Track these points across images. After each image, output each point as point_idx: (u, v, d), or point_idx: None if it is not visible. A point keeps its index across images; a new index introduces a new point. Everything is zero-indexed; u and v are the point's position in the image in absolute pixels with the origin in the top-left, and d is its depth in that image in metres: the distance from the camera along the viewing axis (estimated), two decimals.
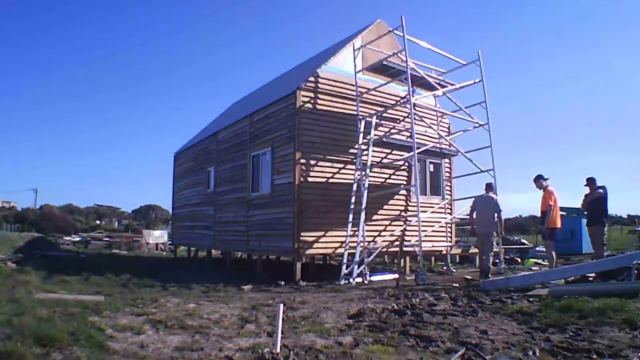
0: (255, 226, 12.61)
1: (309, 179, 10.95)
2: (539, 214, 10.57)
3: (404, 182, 12.71)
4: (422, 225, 10.15)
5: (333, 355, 4.19)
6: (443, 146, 12.51)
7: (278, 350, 4.13)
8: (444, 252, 12.89)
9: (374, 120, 11.58)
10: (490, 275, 9.38)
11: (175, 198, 20.19)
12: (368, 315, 5.96)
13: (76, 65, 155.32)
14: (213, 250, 17.02)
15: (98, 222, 62.90)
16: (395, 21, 11.71)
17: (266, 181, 12.17)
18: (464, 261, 15.07)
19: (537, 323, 5.28)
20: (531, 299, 6.70)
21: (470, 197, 12.74)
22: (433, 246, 12.14)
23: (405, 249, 10.36)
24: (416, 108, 11.61)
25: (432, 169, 13.15)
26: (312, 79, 11.34)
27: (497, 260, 11.82)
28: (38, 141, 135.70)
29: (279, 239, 11.31)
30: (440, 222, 12.13)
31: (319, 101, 11.36)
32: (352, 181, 11.20)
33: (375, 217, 11.73)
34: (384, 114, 12.10)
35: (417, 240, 10.07)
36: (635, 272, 6.91)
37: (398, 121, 12.60)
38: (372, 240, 11.30)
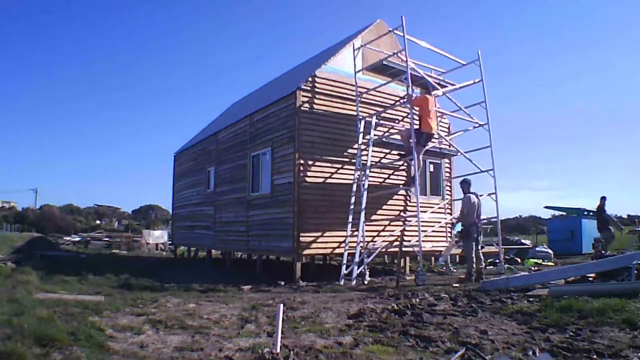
0: (255, 226, 12.61)
1: (309, 179, 10.95)
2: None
3: (403, 182, 12.71)
4: (422, 226, 10.14)
5: (333, 355, 4.19)
6: (443, 146, 12.51)
7: (278, 350, 4.13)
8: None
9: (374, 120, 11.58)
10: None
11: (175, 198, 20.19)
12: (368, 316, 5.96)
13: (76, 65, 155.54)
14: (213, 250, 17.02)
15: (98, 222, 62.93)
16: (395, 21, 11.71)
17: (266, 181, 12.17)
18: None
19: (537, 323, 5.28)
20: (531, 299, 6.70)
21: None
22: (433, 246, 12.14)
23: (405, 249, 10.35)
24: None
25: (432, 169, 13.15)
26: (312, 79, 11.34)
27: (497, 260, 11.82)
28: (38, 141, 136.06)
29: (279, 239, 11.31)
30: (440, 222, 12.12)
31: (318, 101, 11.35)
32: (352, 181, 11.21)
33: (375, 217, 11.73)
34: (384, 114, 12.10)
35: (416, 241, 10.06)
36: (635, 272, 6.90)
37: (398, 121, 12.60)
38: (372, 241, 11.30)
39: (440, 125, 13.54)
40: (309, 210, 10.85)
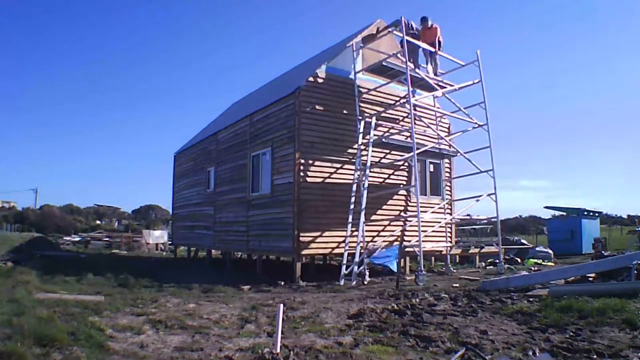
0: (255, 226, 12.61)
1: (309, 179, 10.95)
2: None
3: (404, 182, 12.71)
4: (422, 226, 10.15)
5: (333, 355, 4.19)
6: (443, 146, 12.51)
7: (278, 350, 4.14)
8: (444, 252, 12.90)
9: (374, 120, 11.58)
10: None
11: (175, 198, 20.19)
12: (368, 316, 5.96)
13: (76, 65, 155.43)
14: (213, 250, 17.02)
15: (98, 222, 62.90)
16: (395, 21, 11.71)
17: (266, 181, 12.17)
18: (464, 261, 15.08)
19: (537, 323, 5.28)
20: (531, 299, 6.70)
21: (471, 198, 12.80)
22: (433, 247, 12.14)
23: (405, 249, 10.35)
24: (416, 108, 11.61)
25: (432, 169, 13.15)
26: (312, 79, 11.33)
27: (497, 260, 11.83)
28: (38, 141, 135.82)
29: (279, 239, 11.31)
30: (440, 222, 12.13)
31: (319, 101, 11.35)
32: (352, 181, 11.21)
33: (375, 217, 11.73)
34: (384, 114, 12.10)
35: (417, 241, 10.06)
36: (635, 272, 6.91)
37: (398, 121, 12.60)
38: (371, 240, 11.29)
39: (440, 126, 13.56)
40: (309, 210, 10.85)
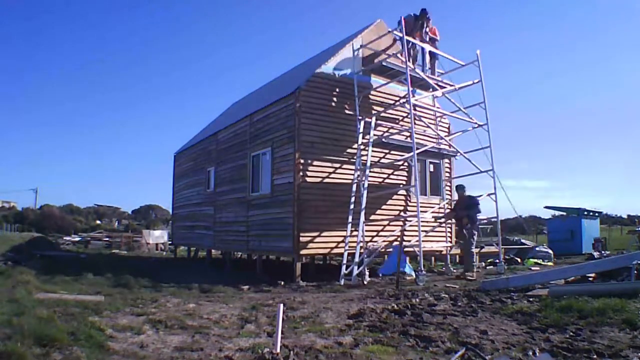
0: (255, 226, 12.61)
1: (309, 179, 10.95)
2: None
3: (403, 182, 12.71)
4: (422, 226, 10.15)
5: (333, 355, 4.19)
6: (443, 146, 12.51)
7: (278, 350, 4.14)
8: (444, 252, 12.90)
9: (374, 120, 11.58)
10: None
11: (175, 198, 20.19)
12: (368, 316, 5.96)
13: (76, 65, 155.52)
14: (213, 250, 17.02)
15: (98, 222, 62.91)
16: (395, 21, 11.71)
17: (266, 181, 12.17)
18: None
19: (537, 323, 5.28)
20: (531, 299, 6.70)
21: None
22: (432, 247, 12.14)
23: (405, 249, 10.35)
24: (416, 108, 11.61)
25: (432, 169, 13.15)
26: (312, 79, 11.33)
27: (497, 260, 11.83)
28: (38, 141, 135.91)
29: (279, 239, 11.31)
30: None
31: (318, 101, 11.35)
32: (352, 181, 11.21)
33: (375, 217, 11.73)
34: (384, 114, 12.10)
35: (417, 241, 10.07)
36: (635, 272, 6.91)
37: (397, 121, 12.61)
38: (370, 240, 11.28)
39: (440, 126, 13.56)
40: (309, 210, 10.85)
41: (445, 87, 12.26)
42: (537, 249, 17.25)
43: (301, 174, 10.81)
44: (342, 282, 9.78)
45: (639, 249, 15.02)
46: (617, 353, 4.01)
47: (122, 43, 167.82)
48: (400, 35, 11.01)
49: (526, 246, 17.68)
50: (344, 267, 10.13)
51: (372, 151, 11.33)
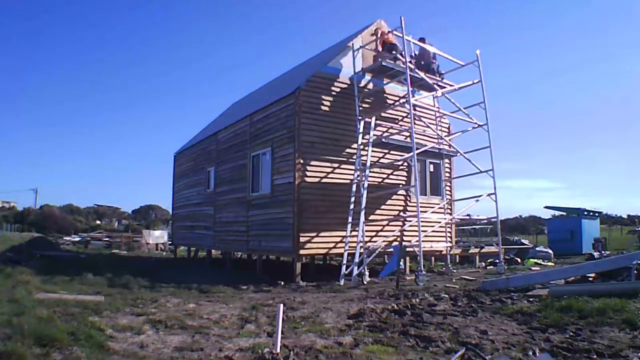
0: (255, 226, 12.61)
1: (309, 179, 10.95)
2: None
3: (403, 182, 12.71)
4: (422, 226, 10.15)
5: (333, 355, 4.19)
6: (442, 146, 12.51)
7: (278, 350, 4.14)
8: (444, 252, 12.90)
9: (374, 120, 11.58)
10: None
11: (175, 198, 20.19)
12: (368, 316, 5.96)
13: (76, 65, 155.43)
14: (213, 250, 17.02)
15: (98, 222, 62.92)
16: (395, 21, 11.71)
17: (266, 181, 12.17)
18: (464, 261, 15.09)
19: (537, 323, 5.28)
20: (531, 299, 6.71)
21: (471, 198, 12.80)
22: (432, 247, 12.14)
23: (404, 249, 10.35)
24: (416, 109, 11.61)
25: (432, 169, 13.15)
26: (312, 79, 11.33)
27: (497, 260, 11.83)
28: (38, 141, 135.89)
29: (279, 239, 11.31)
30: (440, 222, 12.13)
31: (318, 101, 11.35)
32: (352, 181, 11.21)
33: (374, 217, 11.73)
34: (384, 114, 12.10)
35: (416, 241, 10.07)
36: (635, 272, 6.91)
37: (397, 121, 12.60)
38: (370, 240, 11.27)
39: (440, 126, 13.56)
40: (309, 210, 10.85)
41: (445, 87, 12.26)
42: (537, 249, 17.28)
43: (301, 174, 10.81)
44: (342, 282, 9.78)
45: (639, 249, 15.02)
46: (617, 353, 4.01)
47: (122, 43, 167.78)
48: (400, 35, 11.01)
49: (526, 246, 17.70)
50: (344, 267, 10.13)
51: (372, 151, 11.32)
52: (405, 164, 12.59)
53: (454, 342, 4.56)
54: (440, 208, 12.73)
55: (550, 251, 16.99)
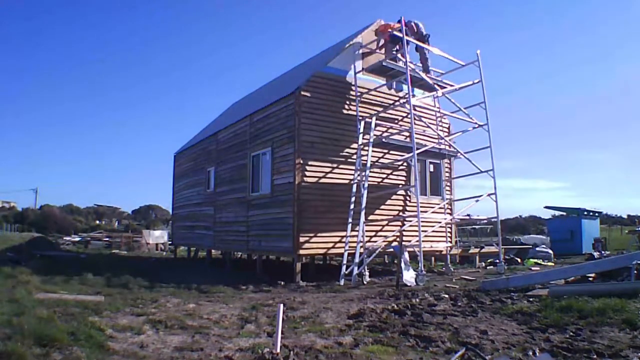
0: (255, 226, 12.61)
1: (309, 179, 10.95)
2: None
3: (402, 182, 12.71)
4: (422, 226, 10.15)
5: (333, 355, 4.19)
6: (443, 147, 12.50)
7: (278, 350, 4.14)
8: (444, 252, 12.90)
9: (374, 120, 11.58)
10: None
11: (175, 198, 20.19)
12: (368, 316, 5.97)
13: (76, 65, 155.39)
14: (213, 251, 17.02)
15: (98, 222, 62.89)
16: (395, 21, 11.70)
17: (266, 181, 12.17)
18: (464, 261, 15.08)
19: (537, 323, 5.28)
20: (531, 299, 6.71)
21: (471, 198, 12.80)
22: (431, 247, 12.14)
23: (405, 249, 10.35)
24: (416, 109, 11.60)
25: (432, 169, 13.15)
26: (312, 79, 11.33)
27: (497, 260, 11.83)
28: (38, 141, 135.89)
29: (279, 239, 11.31)
30: (440, 222, 12.13)
31: (319, 101, 11.35)
32: (352, 181, 11.21)
33: (374, 217, 11.72)
34: (384, 114, 12.10)
35: (416, 241, 10.07)
36: (635, 272, 6.91)
37: (397, 121, 12.61)
38: (369, 240, 11.27)
39: (440, 126, 13.56)
40: (309, 210, 10.85)
41: (445, 87, 12.26)
42: (537, 249, 17.27)
43: (301, 174, 10.81)
44: (342, 282, 9.78)
45: (639, 249, 15.02)
46: (617, 353, 4.01)
47: (122, 43, 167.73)
48: (400, 35, 11.01)
49: (526, 246, 17.69)
50: (344, 267, 10.13)
51: (372, 151, 11.32)
52: (405, 164, 12.59)
53: (454, 342, 4.56)
54: (440, 208, 12.72)
55: (550, 251, 16.99)
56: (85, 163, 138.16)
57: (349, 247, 10.54)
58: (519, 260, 15.13)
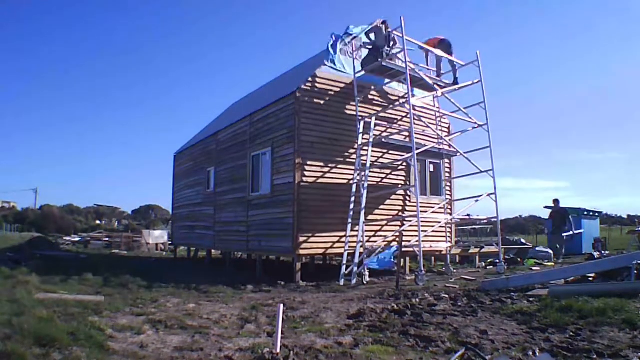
0: (255, 226, 12.60)
1: (309, 179, 10.95)
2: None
3: (402, 182, 12.71)
4: (422, 226, 10.14)
5: (333, 355, 4.19)
6: (442, 146, 12.50)
7: (278, 350, 4.14)
8: (444, 252, 12.89)
9: (373, 120, 11.57)
10: None
11: (175, 198, 20.18)
12: (368, 316, 5.96)
13: (76, 66, 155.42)
14: (213, 251, 17.02)
15: (98, 222, 62.95)
16: (396, 21, 11.70)
17: (266, 181, 12.17)
18: (464, 261, 15.07)
19: (537, 323, 5.28)
20: (531, 299, 6.70)
21: (471, 198, 12.79)
22: (431, 247, 12.13)
23: (404, 249, 10.35)
24: (415, 109, 11.60)
25: (432, 169, 13.15)
26: (311, 79, 11.33)
27: (497, 260, 11.82)
28: (38, 141, 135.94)
29: (279, 239, 11.31)
30: (440, 222, 12.12)
31: (318, 101, 11.35)
32: (352, 181, 11.21)
33: (374, 217, 11.72)
34: (384, 114, 12.10)
35: (416, 241, 10.07)
36: (635, 272, 6.90)
37: (397, 121, 12.60)
38: (368, 240, 11.27)
39: (440, 126, 13.56)
40: (309, 210, 10.85)
41: (445, 87, 12.25)
42: (537, 249, 17.25)
43: (301, 174, 10.81)
44: (342, 282, 9.78)
45: (639, 249, 15.02)
46: (617, 353, 4.01)
47: (122, 43, 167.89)
48: (400, 35, 11.00)
49: (526, 246, 17.67)
50: (343, 267, 10.12)
51: (372, 151, 11.32)
52: (405, 163, 12.59)
53: (454, 342, 4.56)
54: (440, 208, 12.72)
55: (550, 251, 16.97)
56: (85, 163, 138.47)
57: (349, 247, 10.54)
58: (519, 260, 15.12)
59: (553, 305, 5.91)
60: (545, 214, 19.25)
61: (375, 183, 11.95)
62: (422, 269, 9.83)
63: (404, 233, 10.79)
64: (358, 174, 11.22)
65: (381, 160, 12.16)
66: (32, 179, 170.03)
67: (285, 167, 11.24)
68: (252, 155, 12.96)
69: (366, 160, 11.13)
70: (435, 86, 11.97)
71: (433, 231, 11.80)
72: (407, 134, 12.27)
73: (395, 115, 12.63)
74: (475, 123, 12.50)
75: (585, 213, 21.55)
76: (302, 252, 10.68)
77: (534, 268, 12.67)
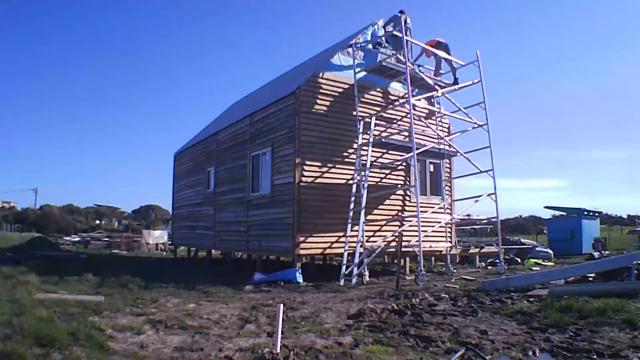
0: (255, 226, 12.60)
1: (309, 179, 10.95)
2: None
3: (401, 182, 12.71)
4: (422, 226, 10.14)
5: (333, 355, 4.19)
6: (442, 146, 12.50)
7: (278, 350, 4.14)
8: (444, 252, 12.90)
9: (373, 120, 11.58)
10: None
11: (175, 198, 20.18)
12: (368, 316, 5.96)
13: (76, 66, 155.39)
14: (213, 250, 17.02)
15: (98, 222, 62.97)
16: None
17: (266, 181, 12.17)
18: (464, 261, 15.09)
19: (537, 323, 5.28)
20: (531, 299, 6.70)
21: (471, 198, 12.79)
22: (431, 247, 12.14)
23: (405, 249, 10.35)
24: (415, 109, 11.60)
25: (432, 169, 13.14)
26: (312, 79, 11.33)
27: (497, 260, 11.83)
28: (38, 141, 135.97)
29: (279, 239, 11.31)
30: (440, 222, 12.13)
31: (318, 101, 11.35)
32: (352, 181, 11.21)
33: (374, 217, 11.72)
34: (384, 114, 12.10)
35: (416, 241, 10.07)
36: (635, 272, 6.91)
37: (396, 121, 12.60)
38: (368, 240, 11.27)
39: (440, 126, 13.55)
40: (309, 210, 10.85)
41: (445, 87, 12.26)
42: (537, 249, 17.28)
43: (301, 174, 10.81)
44: (342, 282, 9.78)
45: (639, 249, 15.03)
46: (617, 353, 4.01)
47: (122, 43, 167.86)
48: (400, 35, 11.01)
49: (526, 246, 17.69)
50: (343, 267, 10.12)
51: (372, 151, 11.32)
52: (405, 163, 12.59)
53: (454, 342, 4.56)
54: (440, 208, 12.72)
55: (551, 251, 16.99)
56: (85, 163, 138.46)
57: (349, 247, 10.54)
58: (519, 260, 15.13)
59: (553, 305, 5.91)
60: (546, 214, 19.24)
61: (375, 183, 11.95)
62: (422, 269, 9.83)
63: (404, 233, 10.80)
64: (358, 174, 11.22)
65: (381, 160, 12.16)
66: (32, 179, 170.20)
67: (285, 167, 11.24)
68: (252, 155, 12.96)
69: (366, 160, 11.13)
70: (436, 86, 11.97)
71: (433, 231, 11.80)
72: (407, 134, 12.27)
73: (395, 115, 12.63)
74: (475, 123, 12.50)
75: (585, 213, 21.59)
76: (302, 252, 10.69)
77: (534, 268, 12.68)
